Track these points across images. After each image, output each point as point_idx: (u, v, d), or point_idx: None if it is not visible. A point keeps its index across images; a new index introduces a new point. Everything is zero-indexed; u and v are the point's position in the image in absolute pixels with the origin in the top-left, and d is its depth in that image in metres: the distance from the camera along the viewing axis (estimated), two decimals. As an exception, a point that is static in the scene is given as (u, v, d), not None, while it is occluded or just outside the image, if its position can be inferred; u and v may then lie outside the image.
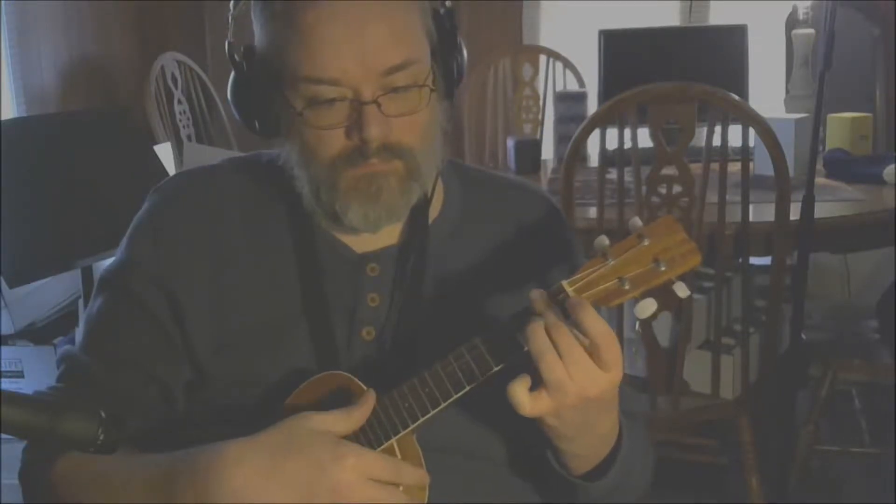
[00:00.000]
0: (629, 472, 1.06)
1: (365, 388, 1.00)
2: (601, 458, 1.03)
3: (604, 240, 0.97)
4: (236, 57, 1.07)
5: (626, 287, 0.96)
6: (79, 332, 1.16)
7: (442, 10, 1.07)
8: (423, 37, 1.04)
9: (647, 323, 2.06)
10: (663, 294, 0.97)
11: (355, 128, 1.00)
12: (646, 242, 0.96)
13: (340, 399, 1.00)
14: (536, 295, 0.96)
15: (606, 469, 1.03)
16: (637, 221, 0.97)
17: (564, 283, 0.96)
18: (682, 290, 0.96)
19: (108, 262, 1.16)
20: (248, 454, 0.94)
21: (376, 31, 0.99)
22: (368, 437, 0.99)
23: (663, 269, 0.95)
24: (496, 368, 0.97)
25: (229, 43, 1.08)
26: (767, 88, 3.44)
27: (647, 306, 0.97)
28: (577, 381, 0.92)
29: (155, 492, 0.97)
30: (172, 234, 1.12)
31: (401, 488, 0.97)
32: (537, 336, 0.93)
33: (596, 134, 2.05)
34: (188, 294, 1.09)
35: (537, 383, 0.94)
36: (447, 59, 1.07)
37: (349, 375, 1.02)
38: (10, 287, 2.05)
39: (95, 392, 1.08)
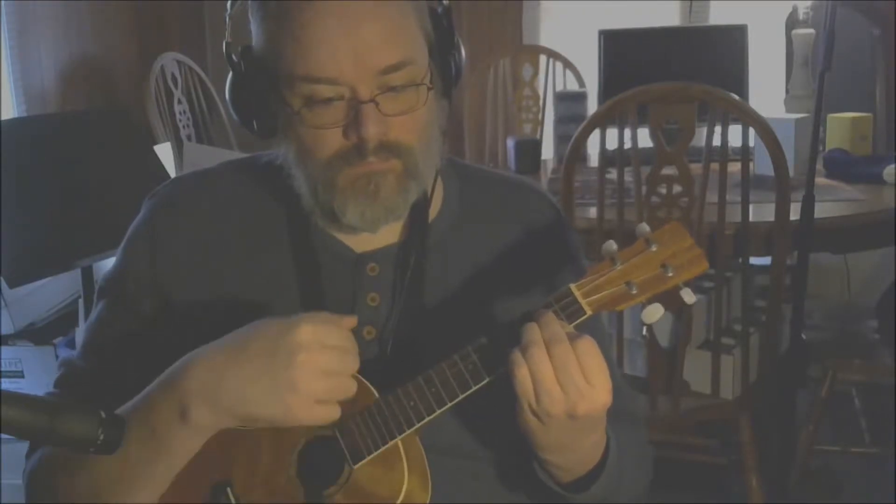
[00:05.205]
0: (618, 482, 1.06)
1: (370, 385, 1.00)
2: (586, 471, 1.03)
3: (612, 244, 0.97)
4: (234, 57, 1.07)
5: (634, 291, 0.96)
6: (78, 334, 1.16)
7: (439, 10, 1.07)
8: (419, 36, 1.04)
9: (650, 325, 2.06)
10: (668, 299, 0.97)
11: (353, 127, 1.00)
12: (654, 248, 0.97)
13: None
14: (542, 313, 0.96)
15: (591, 482, 1.03)
16: (645, 227, 0.98)
17: (572, 286, 0.97)
18: (688, 296, 0.97)
19: (108, 268, 1.17)
20: (207, 351, 0.97)
21: (372, 30, 0.99)
22: (374, 435, 0.99)
23: (671, 274, 0.96)
24: (502, 369, 0.97)
25: (227, 43, 1.08)
26: (767, 88, 3.44)
27: (655, 311, 0.98)
28: (566, 391, 0.92)
29: (138, 417, 0.98)
30: (168, 239, 1.11)
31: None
32: (527, 345, 0.93)
33: (596, 134, 2.05)
34: (185, 300, 1.09)
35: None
36: (445, 58, 1.07)
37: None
38: (10, 287, 2.05)
39: (92, 398, 1.08)
